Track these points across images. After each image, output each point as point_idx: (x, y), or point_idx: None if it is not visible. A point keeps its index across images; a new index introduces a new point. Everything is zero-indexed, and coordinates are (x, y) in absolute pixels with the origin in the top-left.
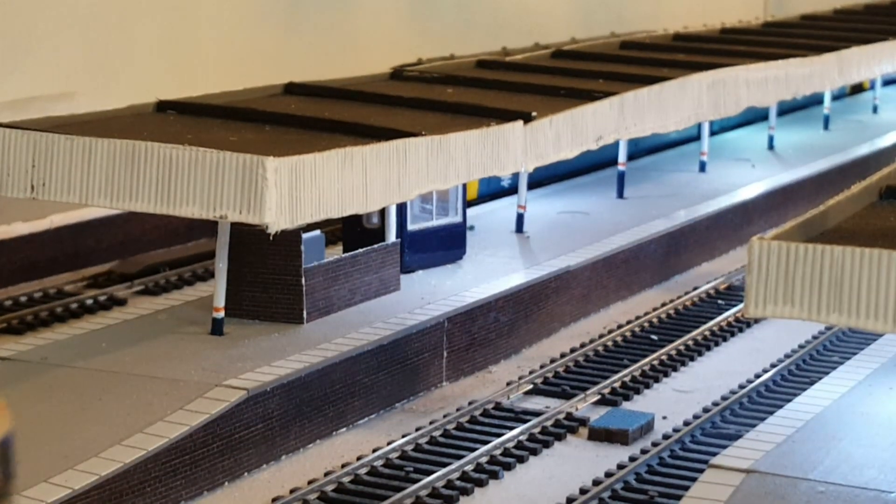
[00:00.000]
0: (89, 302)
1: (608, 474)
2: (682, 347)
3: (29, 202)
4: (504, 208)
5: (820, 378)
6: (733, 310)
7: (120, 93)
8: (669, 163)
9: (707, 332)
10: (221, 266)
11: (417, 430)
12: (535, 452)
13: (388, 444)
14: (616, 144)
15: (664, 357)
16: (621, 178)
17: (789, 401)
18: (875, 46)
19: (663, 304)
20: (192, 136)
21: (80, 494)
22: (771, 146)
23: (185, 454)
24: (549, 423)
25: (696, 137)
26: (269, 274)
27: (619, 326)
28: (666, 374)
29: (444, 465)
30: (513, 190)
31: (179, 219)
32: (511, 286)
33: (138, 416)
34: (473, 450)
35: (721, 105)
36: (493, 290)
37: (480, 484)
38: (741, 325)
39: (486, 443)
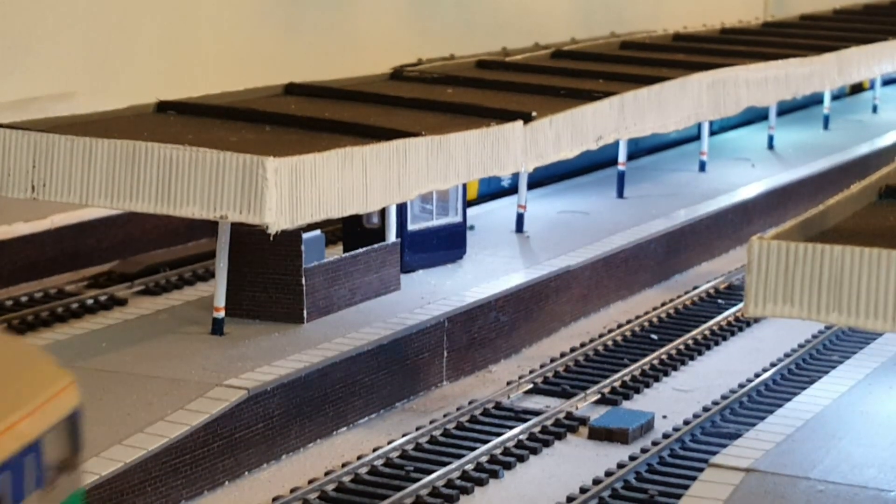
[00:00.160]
0: (90, 302)
1: (608, 473)
2: (681, 347)
3: (30, 202)
4: (504, 208)
5: (820, 377)
6: (733, 309)
7: (120, 93)
8: (669, 162)
9: (707, 332)
10: (222, 266)
11: (418, 429)
12: (535, 452)
13: (389, 443)
14: (616, 144)
15: (664, 356)
16: (621, 177)
17: (789, 400)
18: (875, 46)
19: (663, 304)
20: (192, 137)
21: None
22: (771, 146)
23: (186, 454)
24: (549, 423)
25: (696, 137)
26: (269, 274)
27: (619, 326)
28: (666, 374)
29: (445, 464)
30: (513, 190)
31: (180, 219)
32: (511, 286)
33: (138, 415)
34: (474, 449)
35: (721, 105)
36: (494, 290)
37: (481, 483)
38: (741, 324)
39: (486, 442)
